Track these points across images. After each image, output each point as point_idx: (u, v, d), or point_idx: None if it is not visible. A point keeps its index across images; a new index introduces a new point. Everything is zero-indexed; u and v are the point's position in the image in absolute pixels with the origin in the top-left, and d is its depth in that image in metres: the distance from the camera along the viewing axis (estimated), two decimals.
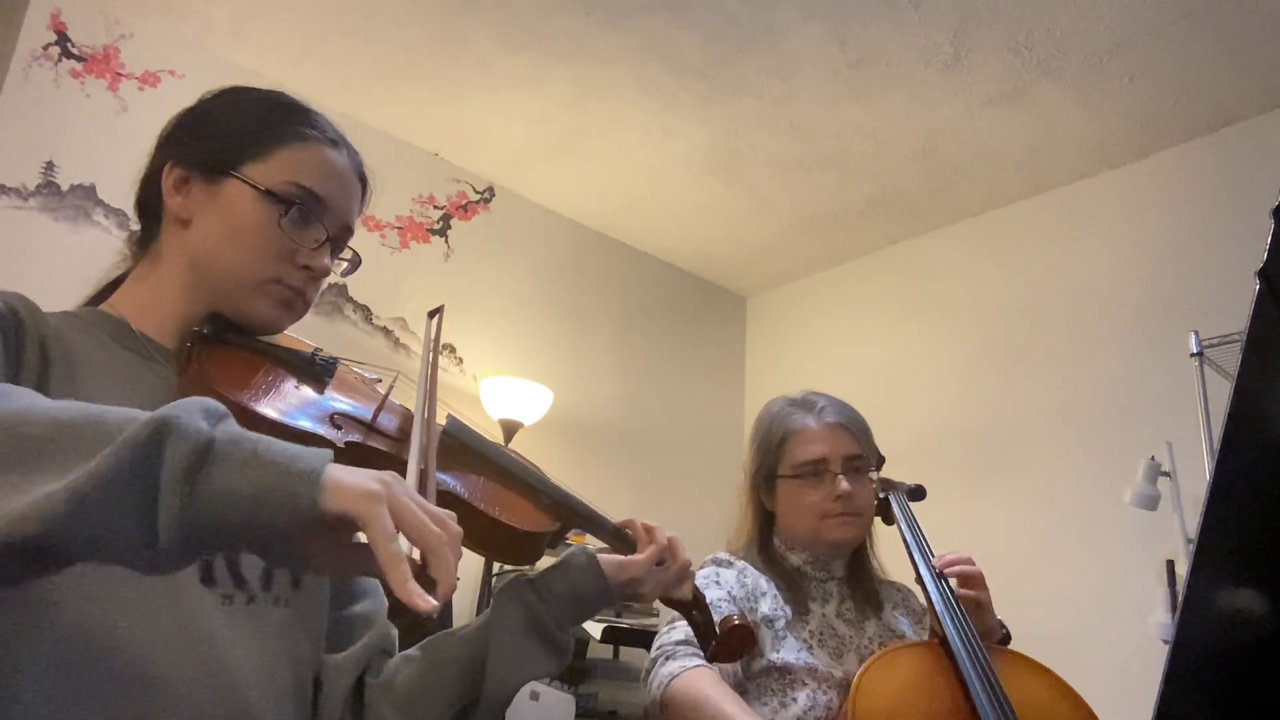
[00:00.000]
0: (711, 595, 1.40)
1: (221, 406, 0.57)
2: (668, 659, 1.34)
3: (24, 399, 0.57)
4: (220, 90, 0.96)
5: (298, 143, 0.91)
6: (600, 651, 3.05)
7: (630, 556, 0.96)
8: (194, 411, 0.55)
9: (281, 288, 0.89)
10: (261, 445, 0.55)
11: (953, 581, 1.42)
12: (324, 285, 0.97)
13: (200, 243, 0.88)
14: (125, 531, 0.51)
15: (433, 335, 0.98)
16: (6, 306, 0.76)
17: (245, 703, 0.77)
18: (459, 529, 0.60)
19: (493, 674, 0.90)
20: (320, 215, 0.90)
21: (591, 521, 0.96)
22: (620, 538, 0.99)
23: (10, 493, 0.51)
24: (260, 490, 0.53)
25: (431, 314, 1.00)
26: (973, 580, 1.42)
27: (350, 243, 0.98)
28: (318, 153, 0.92)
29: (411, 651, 0.97)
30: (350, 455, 0.82)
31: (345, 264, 0.98)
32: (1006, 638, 1.47)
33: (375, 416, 0.89)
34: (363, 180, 0.97)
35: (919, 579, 1.43)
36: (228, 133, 0.90)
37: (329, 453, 0.57)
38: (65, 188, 2.61)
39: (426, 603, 0.54)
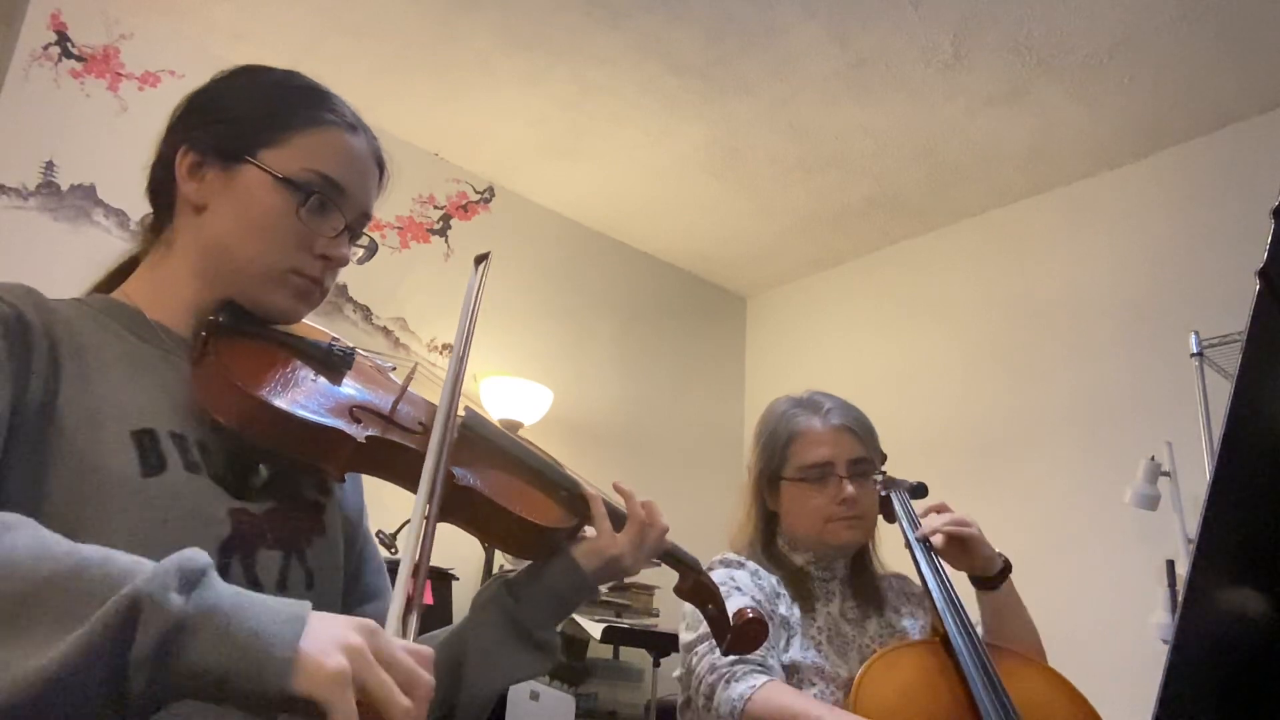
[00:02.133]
0: (738, 602, 1.37)
1: (200, 564, 0.57)
2: (729, 681, 1.29)
3: (5, 539, 0.57)
4: (234, 70, 0.92)
5: (316, 127, 0.88)
6: (600, 651, 3.05)
7: (605, 540, 0.93)
8: (169, 581, 0.55)
9: (299, 278, 0.87)
10: (235, 619, 0.55)
11: (938, 540, 1.42)
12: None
13: (215, 230, 0.85)
14: (93, 704, 0.53)
15: (478, 284, 0.93)
16: (12, 310, 0.74)
17: None
18: (429, 682, 0.60)
19: (469, 678, 0.89)
20: (339, 203, 0.88)
21: (614, 518, 0.95)
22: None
23: None
24: (229, 670, 0.54)
25: (479, 260, 0.96)
26: (955, 521, 1.42)
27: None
28: (336, 138, 0.89)
29: None
30: (370, 449, 0.81)
31: (362, 251, 0.95)
32: (1007, 565, 1.47)
33: (394, 408, 0.87)
34: (380, 165, 0.94)
35: (920, 576, 1.43)
36: (243, 116, 0.87)
37: (303, 619, 0.57)
38: (65, 188, 2.60)
39: None
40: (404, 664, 0.59)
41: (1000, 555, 1.47)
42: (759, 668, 1.30)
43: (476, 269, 0.94)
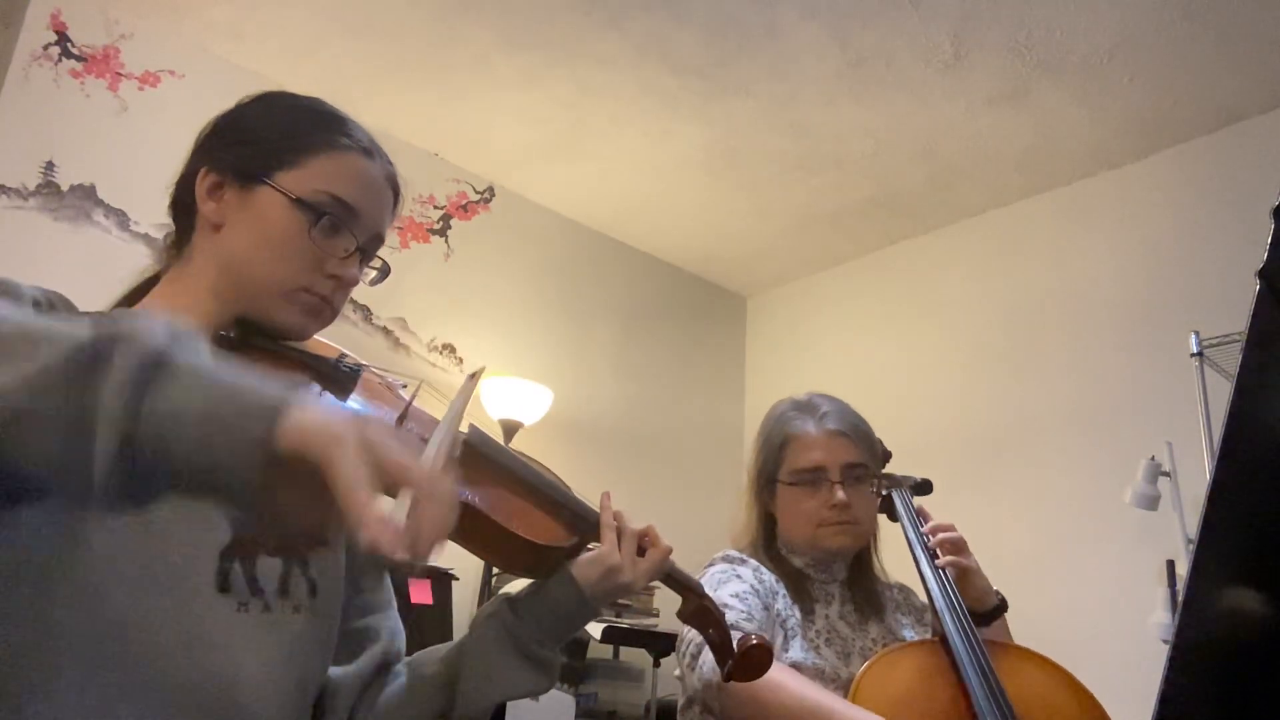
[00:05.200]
0: (735, 588, 1.39)
1: (189, 330, 0.54)
2: None
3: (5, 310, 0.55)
4: (257, 96, 0.95)
5: (331, 151, 0.90)
6: (600, 651, 3.05)
7: (605, 550, 0.94)
8: (155, 325, 0.52)
9: (310, 296, 0.89)
10: (219, 372, 0.52)
11: (939, 550, 1.42)
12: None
13: (231, 248, 0.88)
14: (58, 441, 0.48)
15: (466, 397, 0.95)
16: (45, 298, 0.77)
17: (248, 711, 0.78)
18: (450, 489, 0.54)
19: (464, 693, 0.90)
20: (351, 225, 0.90)
21: (617, 533, 0.96)
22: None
23: None
24: (209, 417, 0.49)
25: (472, 376, 0.98)
26: (955, 546, 1.44)
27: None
28: (351, 162, 0.91)
29: (398, 667, 0.98)
30: None
31: (374, 273, 0.97)
32: (1002, 603, 1.47)
33: (398, 425, 0.88)
34: (395, 190, 0.97)
35: (920, 576, 1.43)
36: (262, 139, 0.90)
37: (304, 387, 0.53)
38: (65, 188, 2.60)
39: (390, 537, 0.48)
40: (412, 447, 0.54)
41: (996, 593, 1.47)
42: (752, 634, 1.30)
43: (467, 382, 0.94)
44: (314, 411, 0.52)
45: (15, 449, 0.48)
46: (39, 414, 0.48)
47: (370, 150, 0.94)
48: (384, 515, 0.48)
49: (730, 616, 1.33)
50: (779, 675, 1.23)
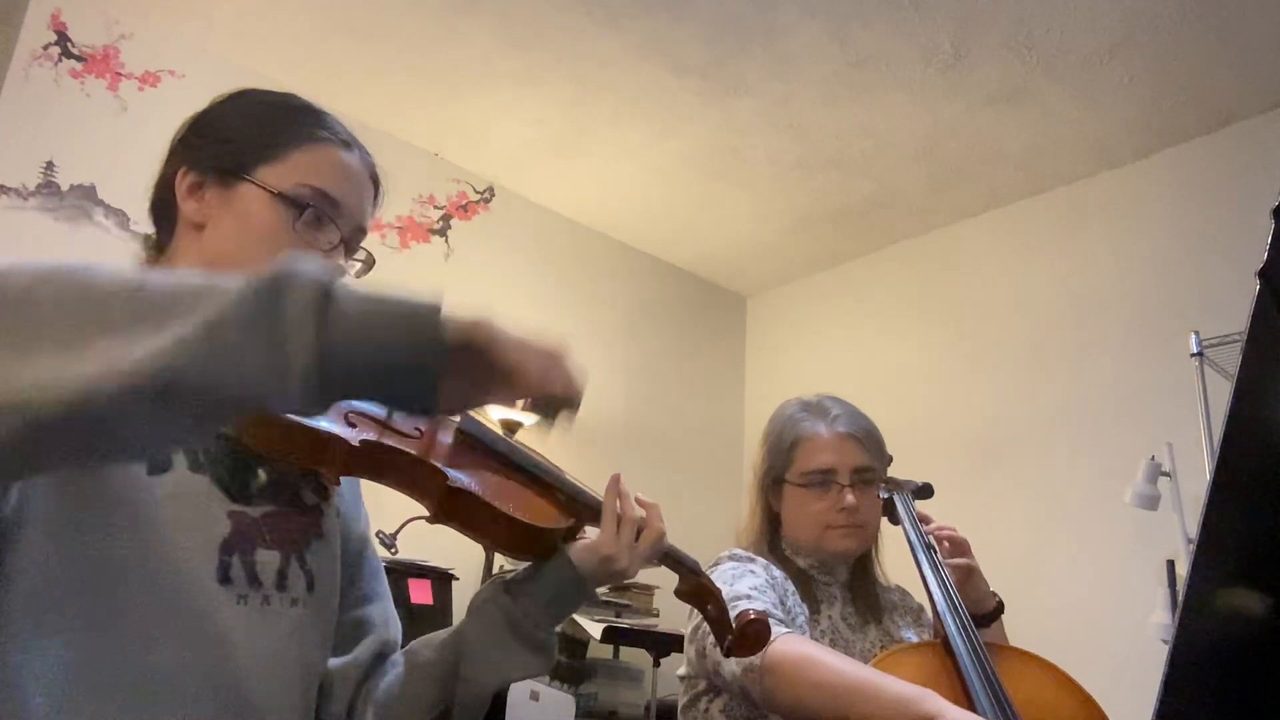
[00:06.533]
0: (753, 581, 1.38)
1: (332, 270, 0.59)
2: None
3: (120, 269, 0.58)
4: (232, 93, 0.95)
5: (310, 144, 0.90)
6: (600, 651, 3.05)
7: (600, 539, 0.94)
8: (309, 262, 0.57)
9: None
10: (372, 289, 0.58)
11: (943, 548, 1.43)
12: None
13: (215, 246, 0.87)
14: (258, 368, 0.53)
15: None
16: None
17: (250, 703, 0.78)
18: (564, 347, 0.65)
19: (465, 678, 0.90)
20: (334, 217, 0.90)
21: (611, 518, 0.96)
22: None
23: (142, 340, 0.52)
24: (383, 326, 0.57)
25: None
26: (959, 546, 1.44)
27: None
28: (330, 154, 0.91)
29: (395, 656, 0.98)
30: (364, 452, 0.82)
31: (359, 265, 0.97)
32: (1000, 607, 1.48)
33: (391, 413, 0.89)
34: (375, 181, 0.97)
35: (922, 579, 1.43)
36: (240, 136, 0.90)
37: (439, 294, 0.61)
38: (65, 188, 2.60)
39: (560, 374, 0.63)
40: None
41: (995, 595, 1.47)
42: (778, 622, 1.29)
43: None
44: (459, 308, 0.61)
45: (215, 381, 0.53)
46: (225, 352, 0.53)
47: (349, 142, 0.94)
48: (551, 359, 0.63)
49: (758, 605, 1.31)
50: (816, 652, 1.21)
